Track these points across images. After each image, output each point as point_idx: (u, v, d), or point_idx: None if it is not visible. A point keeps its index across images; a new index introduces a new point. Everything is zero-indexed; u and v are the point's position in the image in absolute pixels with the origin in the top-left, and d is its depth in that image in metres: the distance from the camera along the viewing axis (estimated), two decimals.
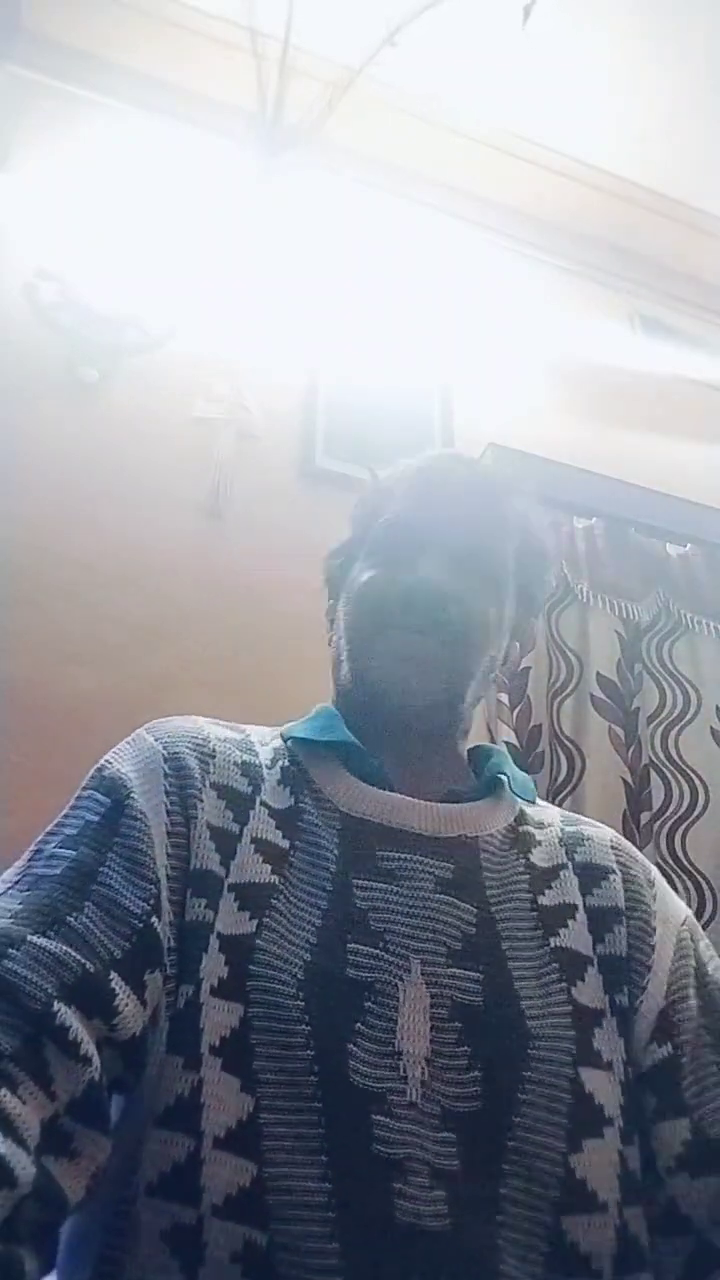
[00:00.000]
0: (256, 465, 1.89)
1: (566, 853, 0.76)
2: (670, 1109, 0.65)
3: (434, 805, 0.74)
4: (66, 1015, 0.55)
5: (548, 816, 0.81)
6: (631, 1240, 0.60)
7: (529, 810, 0.80)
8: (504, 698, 1.84)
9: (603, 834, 0.80)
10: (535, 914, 0.70)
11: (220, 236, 2.02)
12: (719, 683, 2.02)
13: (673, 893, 0.79)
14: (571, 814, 0.84)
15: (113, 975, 0.58)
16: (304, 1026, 0.59)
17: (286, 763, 0.76)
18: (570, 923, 0.70)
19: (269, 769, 0.75)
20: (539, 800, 0.84)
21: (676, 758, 1.94)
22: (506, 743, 1.80)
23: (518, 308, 2.29)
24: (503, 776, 0.79)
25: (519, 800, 0.80)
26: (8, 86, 1.98)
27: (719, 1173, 0.63)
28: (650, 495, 2.13)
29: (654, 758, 1.93)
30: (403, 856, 0.69)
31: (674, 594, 2.08)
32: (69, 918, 0.59)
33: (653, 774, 1.91)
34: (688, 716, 1.98)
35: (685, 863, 1.84)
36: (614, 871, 0.75)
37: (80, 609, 1.64)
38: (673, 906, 0.76)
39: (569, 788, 1.82)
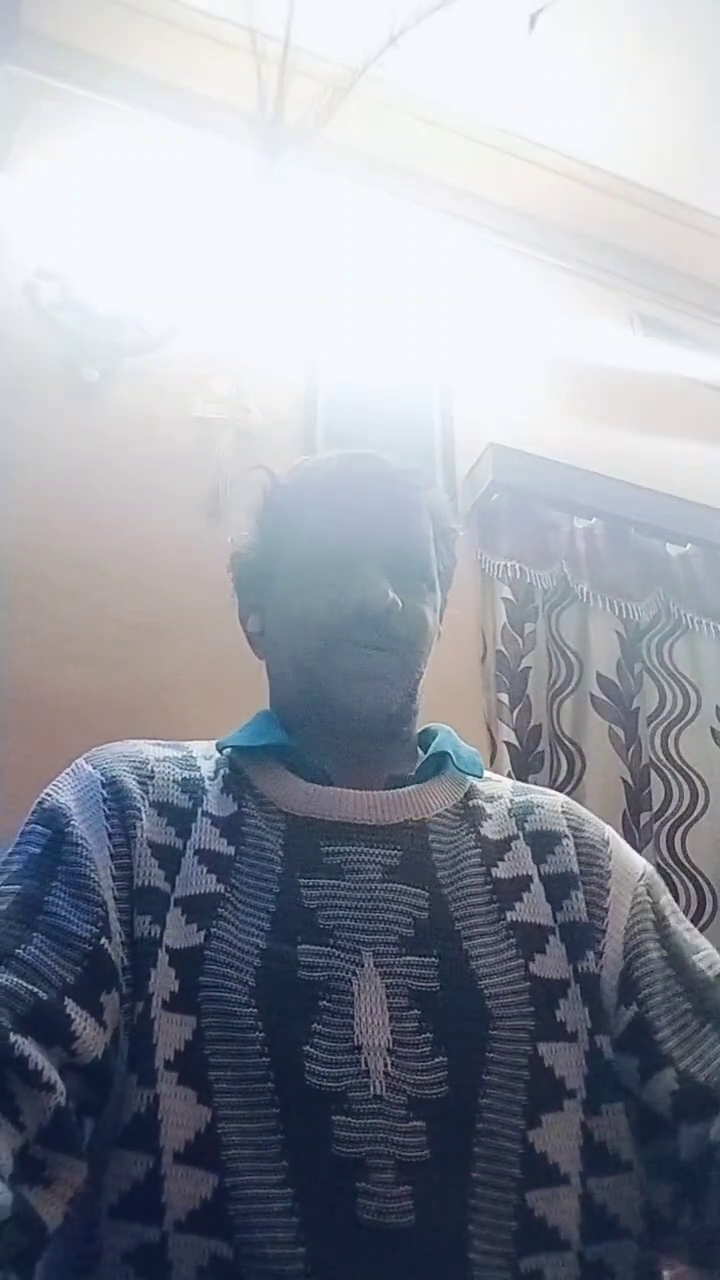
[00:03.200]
0: (256, 465, 1.88)
1: (517, 823, 0.75)
2: (652, 1065, 0.64)
3: (376, 794, 0.73)
4: (24, 1045, 0.55)
5: (498, 789, 0.80)
6: (598, 1209, 0.59)
7: (479, 785, 0.80)
8: (504, 698, 1.84)
9: (553, 801, 0.79)
10: (490, 887, 0.70)
11: (220, 236, 2.02)
12: (719, 683, 2.02)
13: (630, 850, 0.78)
14: (523, 784, 0.84)
15: (67, 1001, 0.58)
16: (258, 1034, 0.59)
17: (227, 771, 0.76)
18: (525, 895, 0.70)
19: (211, 780, 0.75)
20: (491, 774, 0.83)
21: (676, 758, 1.94)
22: (506, 743, 1.80)
23: (518, 308, 2.29)
24: (447, 753, 0.78)
25: (468, 776, 0.79)
26: (8, 86, 1.98)
27: (711, 1116, 0.62)
28: (650, 495, 2.13)
29: (654, 758, 1.93)
30: (347, 849, 0.69)
31: (674, 594, 2.09)
32: (17, 950, 0.60)
33: (653, 774, 1.91)
34: (688, 716, 1.98)
35: (685, 863, 1.84)
36: (566, 836, 0.75)
37: (80, 609, 1.64)
38: (630, 864, 0.75)
39: (569, 788, 1.82)
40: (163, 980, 0.62)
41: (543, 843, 0.74)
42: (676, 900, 1.91)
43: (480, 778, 0.80)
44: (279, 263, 2.04)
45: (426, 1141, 0.58)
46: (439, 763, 0.78)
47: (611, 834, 0.78)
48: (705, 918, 1.79)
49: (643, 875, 0.75)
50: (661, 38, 2.13)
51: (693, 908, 1.80)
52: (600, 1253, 0.58)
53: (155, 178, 2.00)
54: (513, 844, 0.74)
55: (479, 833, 0.74)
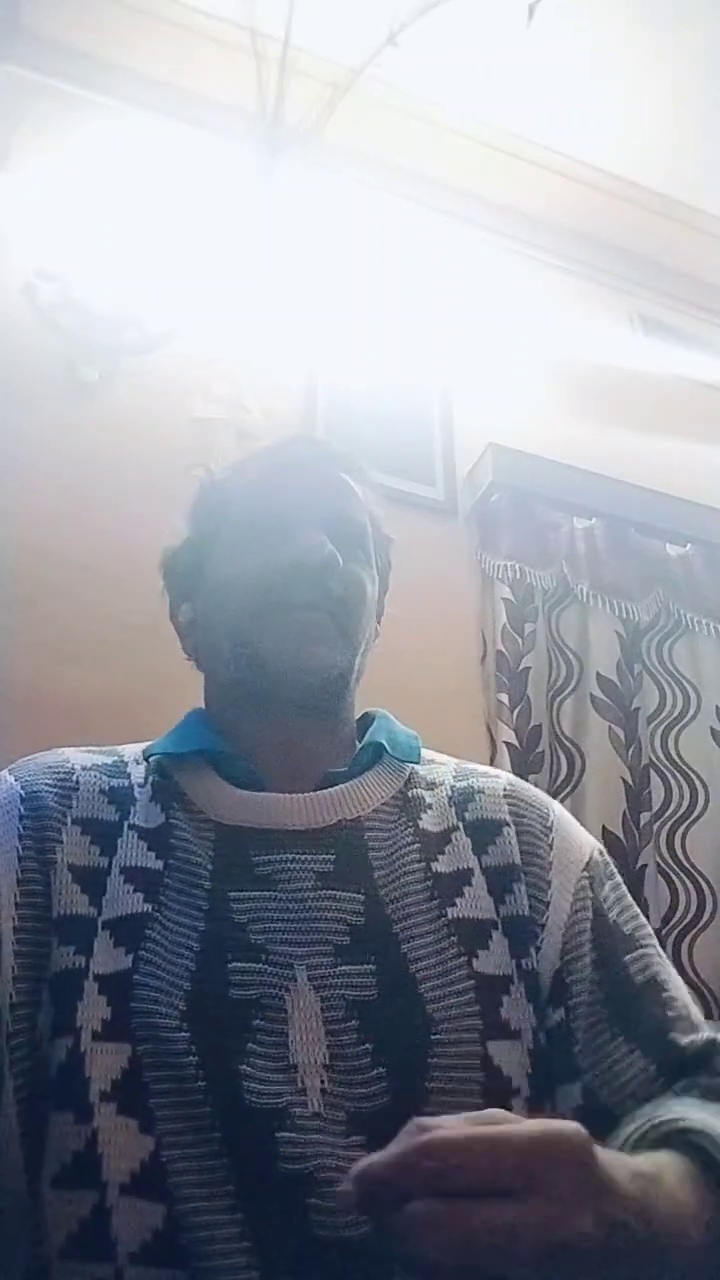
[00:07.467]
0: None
1: (457, 812, 0.73)
2: (563, 1073, 0.64)
3: (307, 796, 0.71)
4: None
5: (439, 774, 0.78)
6: None
7: (420, 770, 0.77)
8: (504, 698, 1.84)
9: (495, 784, 0.77)
10: (429, 883, 0.68)
11: (220, 237, 2.02)
12: (719, 683, 2.02)
13: (577, 830, 0.76)
14: (466, 766, 0.80)
15: None
16: (192, 1058, 0.58)
17: (156, 777, 0.74)
18: (466, 889, 0.68)
19: (140, 788, 0.73)
20: (433, 755, 0.81)
21: (676, 758, 1.94)
22: (506, 743, 1.80)
23: (518, 308, 2.29)
24: (381, 743, 0.75)
25: (406, 763, 0.76)
26: (8, 86, 1.98)
27: (607, 1134, 0.60)
28: (650, 495, 2.13)
29: (654, 758, 1.93)
30: (278, 858, 0.67)
31: (674, 594, 2.09)
32: None
33: (653, 774, 1.91)
34: (688, 716, 1.98)
35: (685, 863, 1.84)
36: (507, 824, 0.72)
37: (80, 609, 1.64)
38: (573, 851, 0.73)
39: (569, 788, 1.82)
40: (92, 1010, 0.61)
41: (483, 833, 0.72)
42: (675, 900, 1.91)
43: (418, 764, 0.78)
44: (279, 263, 2.04)
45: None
46: (375, 753, 0.75)
47: (557, 816, 0.76)
48: (705, 918, 1.79)
49: (587, 863, 0.72)
50: (662, 38, 2.13)
51: (693, 908, 1.80)
52: None
53: (155, 178, 2.00)
54: (453, 835, 0.71)
55: (418, 825, 0.71)
